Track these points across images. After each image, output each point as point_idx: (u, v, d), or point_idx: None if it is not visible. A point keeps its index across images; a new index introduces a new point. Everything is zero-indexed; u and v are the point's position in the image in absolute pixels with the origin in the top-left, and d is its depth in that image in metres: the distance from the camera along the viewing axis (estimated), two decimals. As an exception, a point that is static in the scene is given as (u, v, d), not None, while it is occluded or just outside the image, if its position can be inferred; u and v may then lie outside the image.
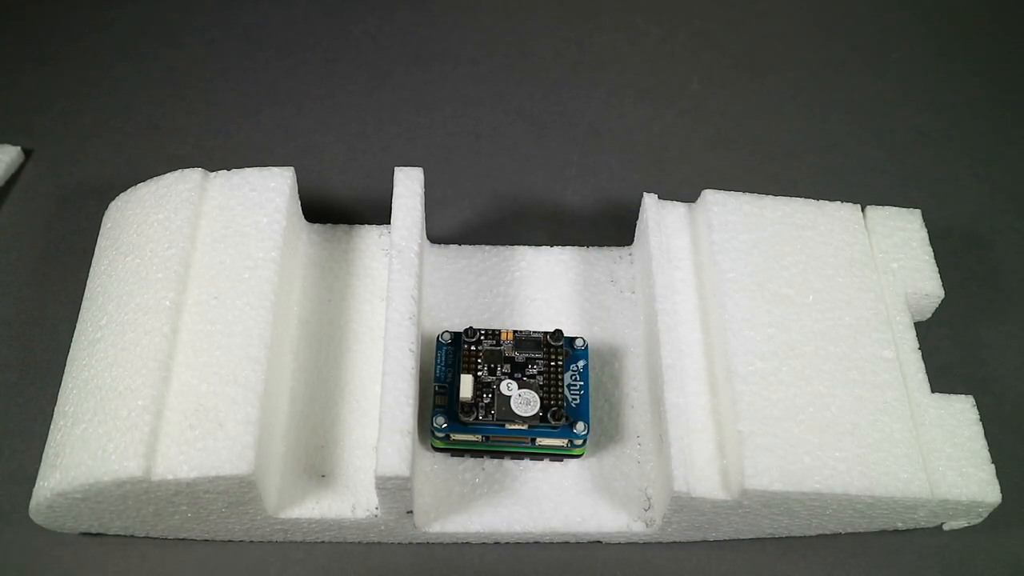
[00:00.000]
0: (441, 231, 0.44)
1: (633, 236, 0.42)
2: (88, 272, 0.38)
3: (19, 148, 0.46)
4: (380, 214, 0.45)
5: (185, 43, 0.52)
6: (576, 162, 0.48)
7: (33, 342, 0.40)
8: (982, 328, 0.42)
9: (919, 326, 0.39)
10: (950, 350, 0.42)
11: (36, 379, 0.39)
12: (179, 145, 0.47)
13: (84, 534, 0.35)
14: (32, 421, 0.38)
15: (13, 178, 0.46)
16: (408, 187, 0.38)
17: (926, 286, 0.38)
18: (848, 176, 0.48)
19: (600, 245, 0.43)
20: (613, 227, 0.45)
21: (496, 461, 0.36)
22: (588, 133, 0.49)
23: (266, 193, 0.37)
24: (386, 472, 0.31)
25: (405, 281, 0.35)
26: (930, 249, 0.39)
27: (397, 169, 0.39)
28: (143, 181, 0.45)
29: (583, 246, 0.42)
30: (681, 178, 0.47)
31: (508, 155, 0.48)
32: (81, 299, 0.40)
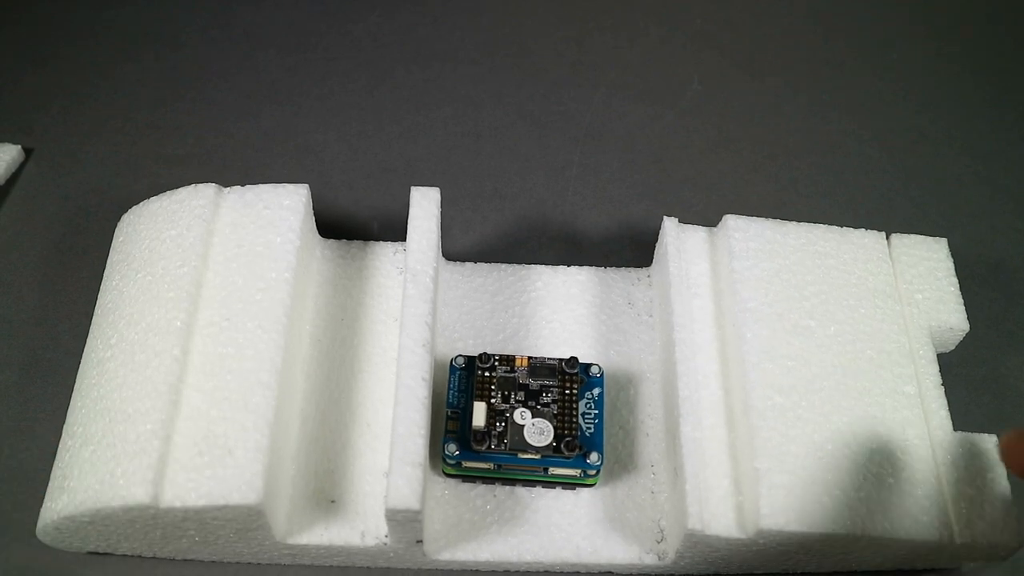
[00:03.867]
0: (442, 231, 0.44)
1: (634, 238, 0.42)
2: (88, 271, 0.38)
3: (19, 147, 0.46)
4: (379, 213, 0.45)
5: (185, 43, 0.52)
6: (577, 162, 0.48)
7: (33, 340, 0.40)
8: (980, 327, 0.42)
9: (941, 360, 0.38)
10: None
11: (37, 377, 0.39)
12: (179, 145, 0.47)
13: (91, 553, 0.35)
14: (32, 420, 0.38)
15: (14, 177, 0.46)
16: (424, 208, 0.37)
17: (950, 319, 0.38)
18: (848, 176, 0.48)
19: (601, 245, 0.43)
20: (614, 227, 0.45)
21: (508, 488, 0.36)
22: (588, 133, 0.49)
23: (280, 211, 0.37)
24: (397, 505, 0.30)
25: (419, 307, 0.35)
26: (955, 280, 0.39)
27: (414, 189, 0.38)
28: (143, 180, 0.45)
29: (600, 267, 0.42)
30: (681, 178, 0.47)
31: (509, 155, 0.48)
32: (81, 298, 0.41)
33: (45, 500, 0.33)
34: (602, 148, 0.48)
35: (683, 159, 0.48)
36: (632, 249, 0.44)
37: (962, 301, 0.38)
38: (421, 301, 0.35)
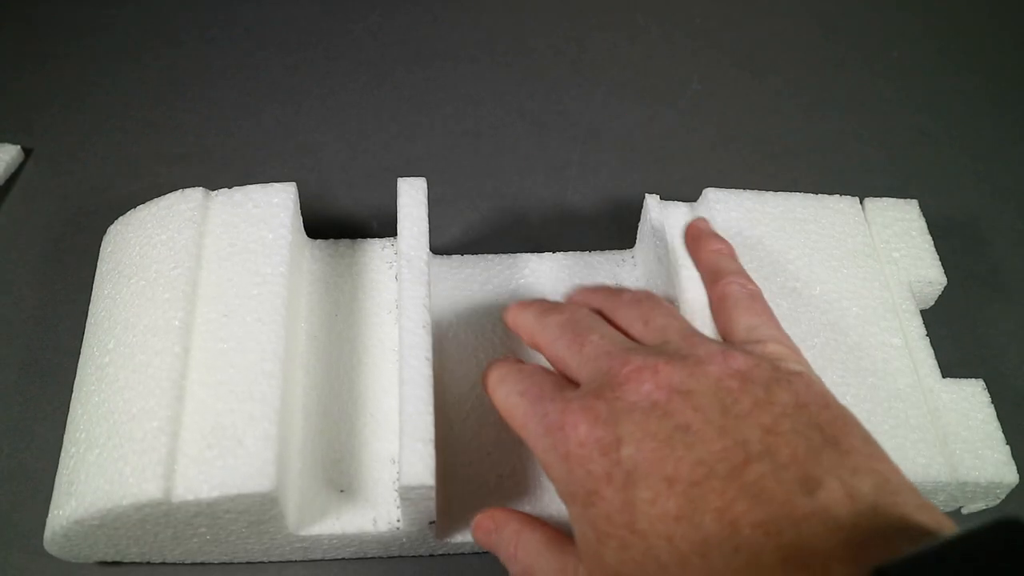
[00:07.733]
0: (442, 230, 0.44)
1: (635, 237, 0.42)
2: (88, 270, 0.38)
3: (19, 147, 0.46)
4: (380, 213, 0.45)
5: (185, 42, 0.52)
6: (576, 161, 0.48)
7: (33, 340, 0.40)
8: (982, 324, 0.43)
9: (923, 317, 0.39)
10: (951, 347, 0.41)
11: (36, 377, 0.39)
12: (178, 144, 0.47)
13: (100, 563, 0.35)
14: (32, 420, 0.38)
15: (13, 177, 0.46)
16: (413, 197, 0.37)
17: (928, 273, 0.39)
18: (848, 174, 0.48)
19: (601, 244, 0.43)
20: (614, 226, 0.45)
21: (512, 467, 0.36)
22: (588, 132, 0.49)
23: (270, 209, 0.37)
24: (411, 482, 0.30)
25: (416, 290, 0.35)
26: (929, 238, 0.40)
27: (400, 180, 0.38)
28: (142, 179, 0.45)
29: (586, 250, 0.42)
30: (681, 177, 0.47)
31: (509, 154, 0.48)
32: (81, 297, 0.40)
33: (51, 509, 0.32)
34: (602, 147, 0.48)
35: (683, 158, 0.48)
36: (622, 239, 0.44)
37: (938, 257, 0.40)
38: (418, 284, 0.35)
